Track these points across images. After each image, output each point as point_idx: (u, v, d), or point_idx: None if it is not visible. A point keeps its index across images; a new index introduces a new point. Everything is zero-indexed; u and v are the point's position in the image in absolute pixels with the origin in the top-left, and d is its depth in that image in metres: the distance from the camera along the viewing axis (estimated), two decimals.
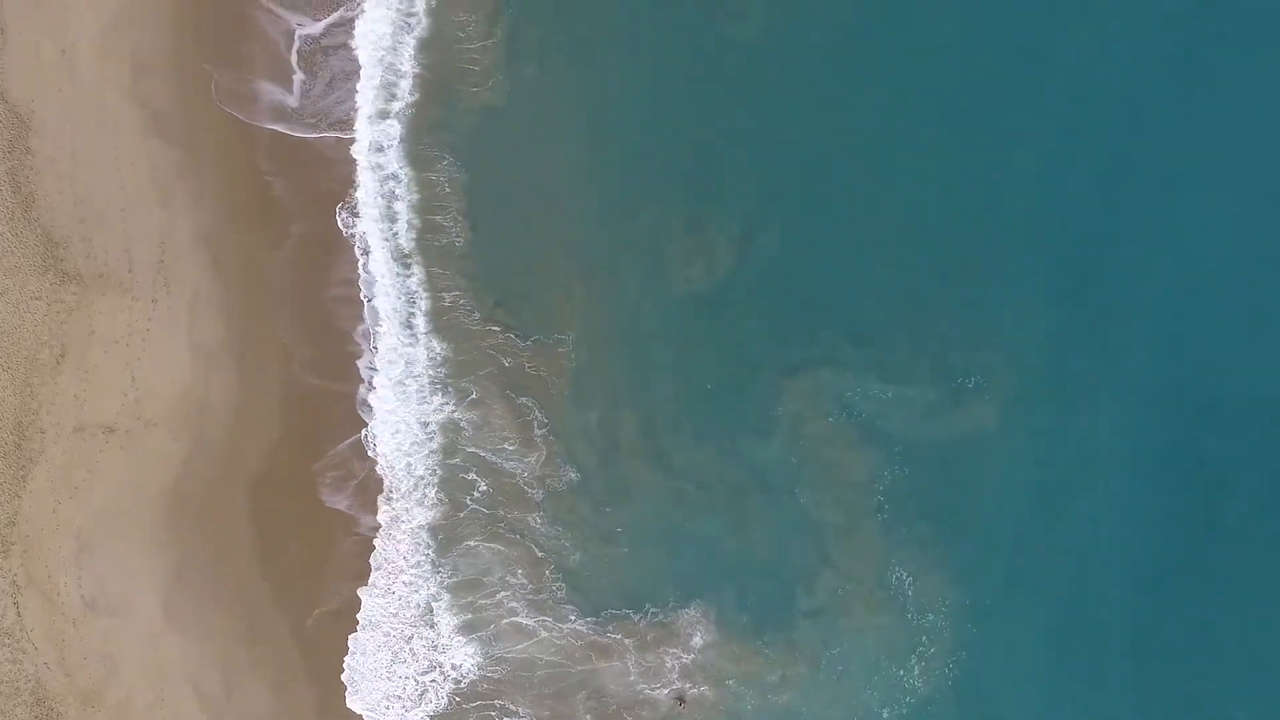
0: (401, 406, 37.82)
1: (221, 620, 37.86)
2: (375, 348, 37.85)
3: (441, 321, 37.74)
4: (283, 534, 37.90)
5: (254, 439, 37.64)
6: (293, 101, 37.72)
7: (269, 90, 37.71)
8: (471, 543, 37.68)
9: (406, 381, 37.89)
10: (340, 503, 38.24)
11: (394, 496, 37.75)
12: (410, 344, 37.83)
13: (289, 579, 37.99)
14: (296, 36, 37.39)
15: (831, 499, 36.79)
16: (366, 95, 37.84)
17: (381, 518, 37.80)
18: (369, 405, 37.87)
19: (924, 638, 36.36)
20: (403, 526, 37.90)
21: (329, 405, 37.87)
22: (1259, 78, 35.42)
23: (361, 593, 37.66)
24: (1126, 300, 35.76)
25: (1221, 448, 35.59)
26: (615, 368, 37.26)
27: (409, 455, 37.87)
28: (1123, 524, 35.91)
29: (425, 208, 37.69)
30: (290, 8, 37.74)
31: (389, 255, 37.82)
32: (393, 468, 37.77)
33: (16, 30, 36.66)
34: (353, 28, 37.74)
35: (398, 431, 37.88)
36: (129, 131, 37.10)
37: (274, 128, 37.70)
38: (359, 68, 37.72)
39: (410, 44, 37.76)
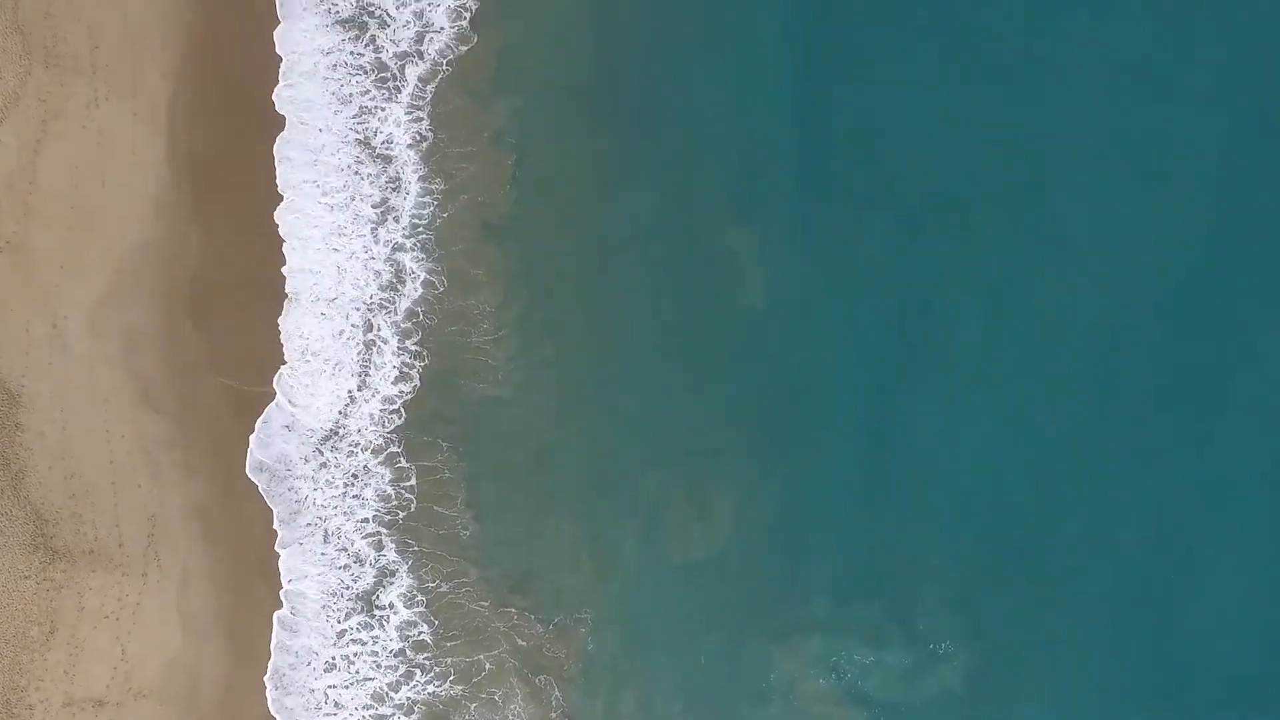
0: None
1: None
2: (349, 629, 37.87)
3: (439, 605, 37.72)
4: None
5: (246, 710, 37.40)
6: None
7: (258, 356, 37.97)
8: None
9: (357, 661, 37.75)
10: None
11: None
12: (374, 628, 37.72)
13: None
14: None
15: None
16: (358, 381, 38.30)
17: None
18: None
19: None
20: None
21: None
22: None
23: None
24: (1085, 573, 37.29)
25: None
26: (626, 645, 37.54)
27: None
28: None
29: (426, 496, 37.83)
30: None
31: (352, 539, 37.89)
32: None
33: (8, 306, 36.55)
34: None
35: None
36: (119, 405, 37.04)
37: (267, 390, 37.92)
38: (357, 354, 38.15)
39: (414, 334, 38.16)
